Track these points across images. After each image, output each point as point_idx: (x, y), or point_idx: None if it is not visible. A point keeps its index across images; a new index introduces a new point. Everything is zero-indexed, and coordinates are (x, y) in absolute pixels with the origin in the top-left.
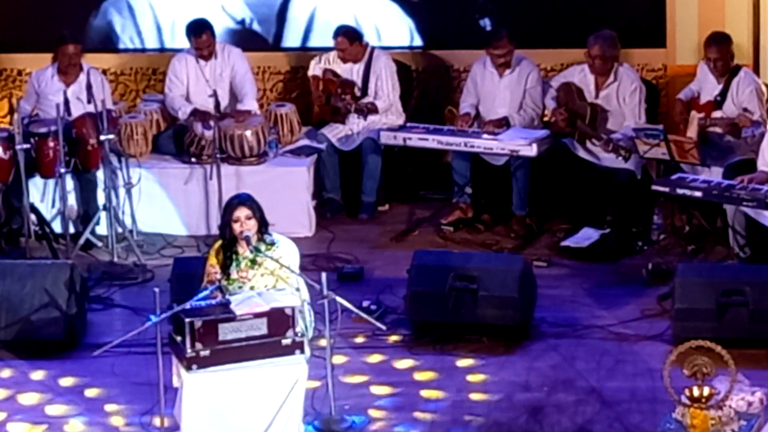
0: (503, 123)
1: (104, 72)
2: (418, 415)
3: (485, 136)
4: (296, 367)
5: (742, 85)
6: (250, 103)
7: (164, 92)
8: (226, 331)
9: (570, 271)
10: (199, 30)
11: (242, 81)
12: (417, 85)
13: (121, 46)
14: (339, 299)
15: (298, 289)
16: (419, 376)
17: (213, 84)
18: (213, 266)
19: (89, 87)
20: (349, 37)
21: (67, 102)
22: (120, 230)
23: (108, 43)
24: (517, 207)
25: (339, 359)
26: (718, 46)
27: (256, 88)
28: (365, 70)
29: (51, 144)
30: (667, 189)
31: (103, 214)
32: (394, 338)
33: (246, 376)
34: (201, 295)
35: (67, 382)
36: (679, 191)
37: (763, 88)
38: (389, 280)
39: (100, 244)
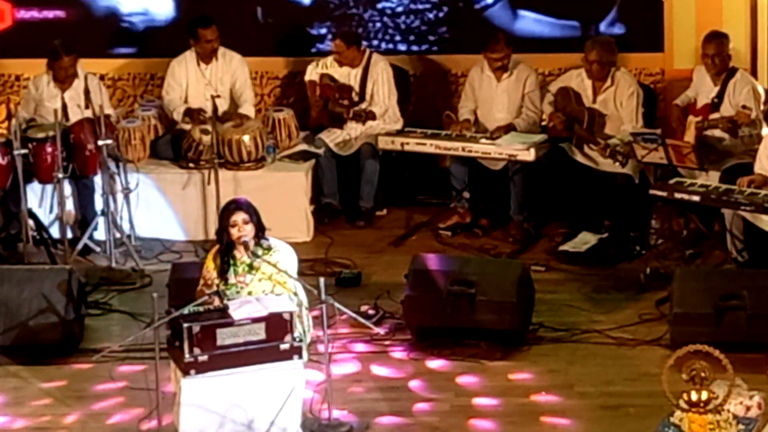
0: (510, 130)
1: (102, 77)
2: (415, 420)
3: (483, 140)
4: (294, 372)
5: (739, 85)
6: (247, 109)
7: (161, 94)
8: (224, 336)
9: (568, 276)
10: (207, 22)
11: (242, 87)
12: (415, 90)
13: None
14: (337, 304)
15: (296, 294)
16: (417, 381)
17: (213, 87)
18: (209, 271)
19: (87, 92)
20: (346, 41)
21: (65, 107)
22: (118, 235)
23: None
24: (515, 211)
25: (337, 364)
26: (717, 41)
27: (254, 96)
28: (363, 75)
29: (49, 149)
30: (664, 193)
31: (101, 220)
32: (391, 343)
33: (244, 381)
34: (198, 301)
35: (64, 387)
36: (677, 195)
37: (759, 89)
38: (387, 285)
39: (98, 249)
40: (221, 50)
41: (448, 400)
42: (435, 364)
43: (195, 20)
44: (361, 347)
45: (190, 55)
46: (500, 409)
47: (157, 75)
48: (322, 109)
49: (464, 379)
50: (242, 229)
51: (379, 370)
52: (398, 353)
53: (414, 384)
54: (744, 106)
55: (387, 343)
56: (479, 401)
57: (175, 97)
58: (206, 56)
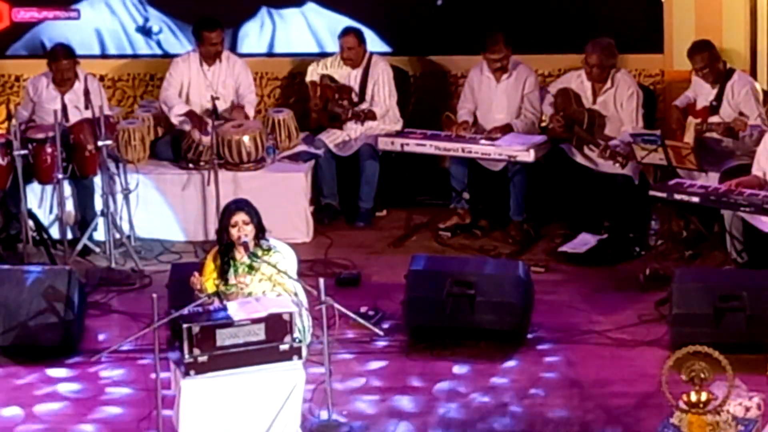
0: (507, 130)
1: (101, 78)
2: (416, 420)
3: (483, 141)
4: (294, 372)
5: (737, 87)
6: (247, 109)
7: (162, 87)
8: (224, 337)
9: (567, 277)
10: (212, 25)
11: (246, 91)
12: (414, 91)
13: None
14: (336, 305)
15: (296, 295)
16: (417, 382)
17: (213, 88)
18: (206, 273)
19: (86, 93)
20: (358, 37)
21: (64, 108)
22: (118, 236)
23: None
24: (515, 212)
25: (336, 365)
26: (700, 54)
27: (256, 99)
28: (363, 76)
29: (49, 150)
30: (664, 194)
31: (100, 220)
32: (391, 344)
33: (243, 381)
34: (198, 302)
35: (64, 387)
36: (677, 196)
37: (758, 87)
38: (387, 286)
39: (97, 249)
40: (225, 53)
41: (447, 401)
42: (435, 364)
43: (200, 22)
44: (360, 348)
45: (193, 55)
46: (500, 409)
47: (157, 75)
48: (321, 110)
49: (464, 380)
50: (242, 229)
51: (378, 371)
52: (397, 354)
53: (414, 385)
54: (741, 113)
55: (386, 343)
56: (479, 401)
57: (173, 93)
58: (210, 58)
